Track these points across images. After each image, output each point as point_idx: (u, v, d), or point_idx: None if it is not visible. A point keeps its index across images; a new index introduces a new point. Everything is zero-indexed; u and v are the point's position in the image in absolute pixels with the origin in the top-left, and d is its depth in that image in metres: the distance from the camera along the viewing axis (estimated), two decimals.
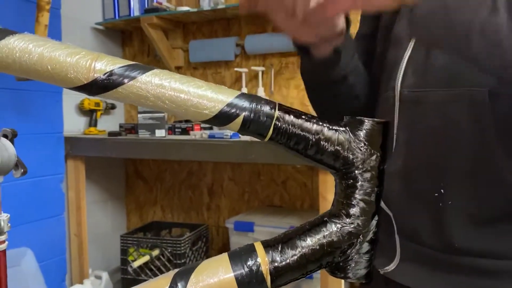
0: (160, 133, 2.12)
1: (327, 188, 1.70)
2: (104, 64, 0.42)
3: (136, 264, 2.16)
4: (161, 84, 0.43)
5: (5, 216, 0.67)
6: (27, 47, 0.42)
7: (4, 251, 0.68)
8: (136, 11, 2.48)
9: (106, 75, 0.42)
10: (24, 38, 0.42)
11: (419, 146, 0.61)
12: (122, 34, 2.78)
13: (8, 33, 0.42)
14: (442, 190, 0.57)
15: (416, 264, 0.62)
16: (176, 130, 2.20)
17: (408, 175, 0.61)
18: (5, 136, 0.71)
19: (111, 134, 2.25)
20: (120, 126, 2.35)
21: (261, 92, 2.25)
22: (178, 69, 2.62)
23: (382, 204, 0.61)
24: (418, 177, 0.60)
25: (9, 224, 0.68)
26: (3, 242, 0.68)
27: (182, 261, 2.16)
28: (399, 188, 0.62)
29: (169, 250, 2.18)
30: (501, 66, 0.47)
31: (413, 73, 0.62)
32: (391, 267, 0.64)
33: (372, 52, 0.76)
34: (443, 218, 0.58)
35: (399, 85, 0.63)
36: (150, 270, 2.22)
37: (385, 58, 0.69)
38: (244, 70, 2.32)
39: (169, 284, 0.45)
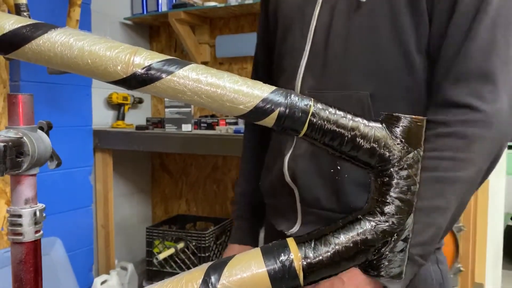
0: (186, 127, 2.13)
1: None
2: (143, 59, 0.42)
3: (161, 256, 2.19)
4: (198, 79, 0.43)
5: (41, 206, 0.69)
6: (68, 41, 0.43)
7: (39, 240, 0.69)
8: (164, 7, 2.50)
9: (144, 69, 0.42)
10: (65, 32, 0.43)
11: None
12: (150, 29, 2.81)
13: (50, 27, 0.43)
14: (338, 167, 0.73)
15: (316, 224, 0.74)
16: (202, 124, 2.21)
17: (311, 157, 0.75)
18: (41, 128, 0.72)
19: (138, 128, 2.28)
20: (147, 120, 2.38)
21: None
22: (204, 64, 2.62)
23: (289, 180, 0.78)
24: (319, 158, 0.75)
25: (44, 214, 0.70)
26: (39, 231, 0.69)
27: (207, 254, 2.18)
28: (304, 167, 0.76)
29: (194, 243, 2.21)
30: None
31: (311, 77, 0.77)
32: (295, 229, 0.80)
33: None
34: (340, 187, 0.73)
35: (299, 86, 0.78)
36: (175, 262, 2.25)
37: (283, 64, 0.84)
38: None
39: (202, 277, 0.45)
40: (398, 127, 0.46)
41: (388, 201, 0.47)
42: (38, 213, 0.67)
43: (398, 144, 0.46)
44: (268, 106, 0.45)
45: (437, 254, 0.80)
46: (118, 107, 2.47)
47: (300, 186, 0.77)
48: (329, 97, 0.75)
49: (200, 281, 0.45)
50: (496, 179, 2.07)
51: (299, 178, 0.77)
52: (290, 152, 0.78)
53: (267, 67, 0.97)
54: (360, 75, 0.74)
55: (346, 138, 0.46)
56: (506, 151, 2.39)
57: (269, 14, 0.94)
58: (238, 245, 1.04)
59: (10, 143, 0.57)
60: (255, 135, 1.07)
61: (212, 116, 2.35)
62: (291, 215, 0.81)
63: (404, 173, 0.46)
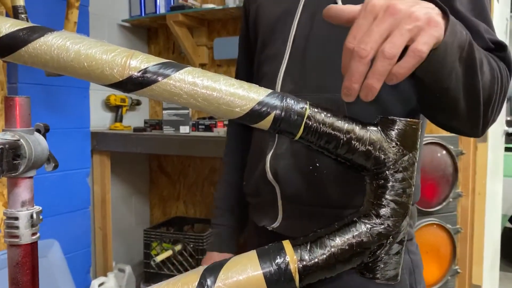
0: (184, 129, 2.14)
1: None
2: (139, 62, 0.42)
3: (159, 258, 2.18)
4: (194, 82, 0.43)
5: (38, 208, 0.69)
6: (64, 44, 0.43)
7: (36, 243, 0.69)
8: (162, 9, 2.51)
9: (140, 72, 0.42)
10: (62, 36, 0.43)
11: None
12: (147, 31, 2.81)
13: (46, 31, 0.43)
14: (317, 164, 0.77)
15: (296, 219, 0.82)
16: (200, 126, 2.21)
17: (291, 155, 0.80)
18: (38, 130, 0.72)
19: (136, 130, 2.28)
20: (145, 122, 2.38)
21: None
22: (202, 66, 2.63)
23: (270, 177, 0.82)
24: (298, 156, 0.79)
25: (41, 217, 0.70)
26: (35, 234, 0.69)
27: (204, 256, 2.18)
28: (285, 165, 0.80)
29: (192, 246, 2.20)
30: None
31: (291, 81, 0.81)
32: (276, 224, 0.84)
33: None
34: (318, 182, 0.78)
35: (279, 89, 0.82)
36: (173, 264, 2.25)
37: (263, 70, 0.89)
38: None
39: (198, 279, 0.46)
40: (393, 130, 0.47)
41: (383, 203, 0.47)
42: (35, 215, 0.67)
43: (393, 147, 0.47)
44: (264, 109, 0.45)
45: (409, 245, 0.83)
46: (116, 109, 2.47)
47: (281, 183, 0.82)
48: (307, 99, 0.76)
49: (196, 283, 0.45)
50: (494, 181, 2.07)
51: (280, 175, 0.81)
52: (271, 151, 0.83)
53: (248, 73, 1.02)
54: (337, 78, 0.76)
55: (341, 141, 0.46)
56: (503, 154, 2.39)
57: (249, 24, 1.00)
58: (217, 253, 1.07)
59: (7, 146, 0.57)
60: (238, 141, 1.10)
61: (210, 118, 2.35)
62: (272, 211, 0.85)
63: (399, 175, 0.46)
